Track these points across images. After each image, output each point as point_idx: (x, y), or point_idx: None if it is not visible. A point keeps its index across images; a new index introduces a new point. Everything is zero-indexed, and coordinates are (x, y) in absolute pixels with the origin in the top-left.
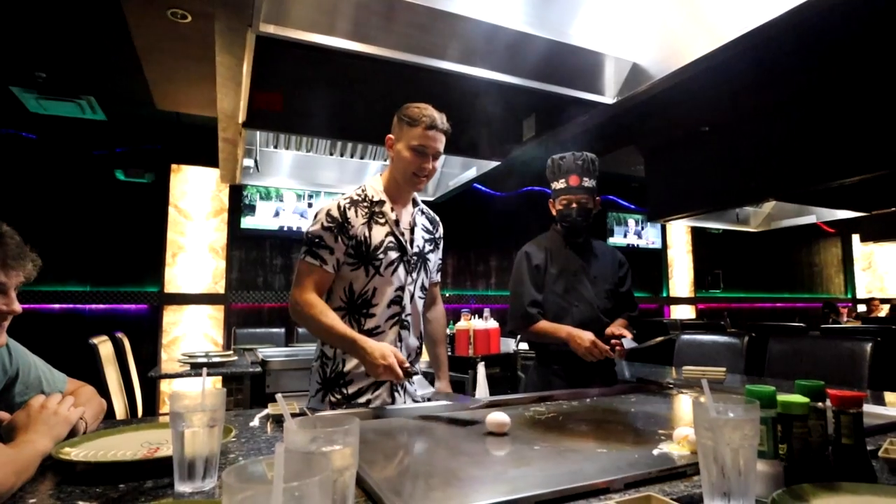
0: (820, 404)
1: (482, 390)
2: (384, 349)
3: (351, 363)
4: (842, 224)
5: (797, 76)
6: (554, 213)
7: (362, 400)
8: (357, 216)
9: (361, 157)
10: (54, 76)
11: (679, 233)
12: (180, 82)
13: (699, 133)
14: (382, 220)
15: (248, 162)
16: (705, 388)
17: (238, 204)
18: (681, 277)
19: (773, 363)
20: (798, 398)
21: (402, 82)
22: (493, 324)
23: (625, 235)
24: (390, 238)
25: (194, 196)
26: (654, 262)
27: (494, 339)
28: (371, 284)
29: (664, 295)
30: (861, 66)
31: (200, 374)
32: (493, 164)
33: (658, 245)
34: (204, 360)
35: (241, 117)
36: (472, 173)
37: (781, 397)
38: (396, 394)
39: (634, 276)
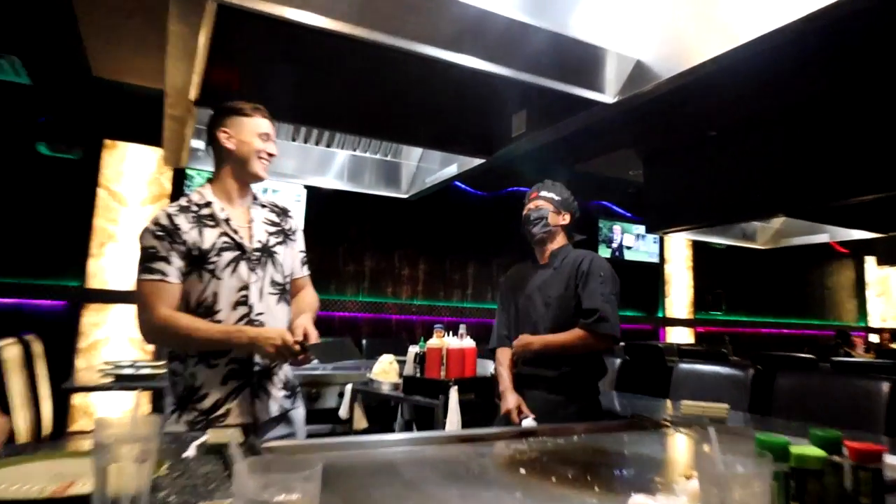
0: (836, 458)
1: (454, 419)
2: (276, 328)
3: (202, 376)
4: (856, 245)
5: (814, 82)
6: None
7: (221, 411)
8: (186, 222)
9: (328, 146)
10: None
11: (678, 246)
12: (123, 48)
13: (704, 138)
14: (212, 223)
15: (197, 143)
16: (712, 438)
17: (181, 190)
18: (679, 296)
19: (780, 400)
20: (813, 450)
21: (379, 66)
22: (469, 342)
23: (617, 245)
24: (223, 239)
25: (130, 178)
26: (649, 278)
27: (470, 361)
28: (209, 290)
29: (660, 315)
30: (883, 74)
31: (125, 388)
32: (478, 161)
33: (655, 259)
34: (130, 370)
35: (193, 94)
36: (452, 170)
37: (795, 449)
38: (258, 400)
39: (626, 293)
